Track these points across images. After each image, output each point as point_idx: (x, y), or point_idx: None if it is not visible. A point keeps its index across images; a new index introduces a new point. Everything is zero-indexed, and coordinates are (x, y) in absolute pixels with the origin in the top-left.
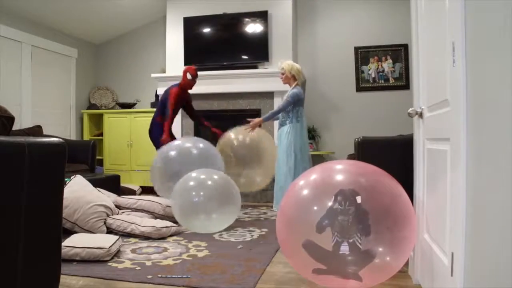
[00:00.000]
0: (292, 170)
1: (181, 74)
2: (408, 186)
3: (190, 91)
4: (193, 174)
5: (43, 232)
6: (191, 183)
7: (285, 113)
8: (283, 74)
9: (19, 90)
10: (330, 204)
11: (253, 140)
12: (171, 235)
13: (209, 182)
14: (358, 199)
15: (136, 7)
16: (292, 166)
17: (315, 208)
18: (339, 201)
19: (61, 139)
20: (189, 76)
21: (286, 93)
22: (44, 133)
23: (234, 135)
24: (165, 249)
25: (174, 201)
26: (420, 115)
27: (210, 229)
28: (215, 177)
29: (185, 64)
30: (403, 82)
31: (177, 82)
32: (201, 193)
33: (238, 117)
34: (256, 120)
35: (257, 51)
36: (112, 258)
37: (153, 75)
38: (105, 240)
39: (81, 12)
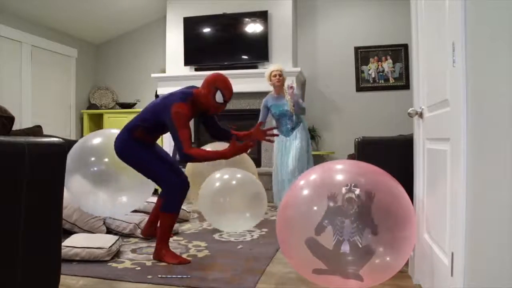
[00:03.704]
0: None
1: (181, 74)
2: (408, 186)
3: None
4: (217, 175)
5: (43, 232)
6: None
7: (288, 120)
8: (280, 76)
9: (19, 90)
10: (331, 204)
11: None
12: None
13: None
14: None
15: (136, 7)
16: (305, 165)
17: (315, 208)
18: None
19: (61, 139)
20: (219, 99)
21: (286, 95)
22: (44, 133)
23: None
24: None
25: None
26: (420, 115)
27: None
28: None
29: (185, 64)
30: (403, 82)
31: (187, 89)
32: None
33: (238, 117)
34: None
35: (257, 51)
36: (112, 258)
37: (153, 75)
38: (105, 240)
39: (81, 12)
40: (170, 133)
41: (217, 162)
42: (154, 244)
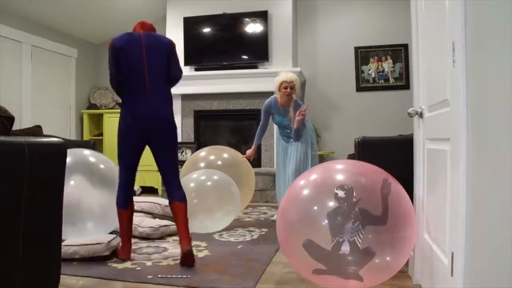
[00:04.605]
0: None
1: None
2: (408, 186)
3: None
4: (194, 175)
5: (43, 232)
6: (192, 184)
7: (289, 131)
8: (292, 88)
9: (19, 90)
10: (331, 204)
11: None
12: (170, 235)
13: (209, 183)
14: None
15: (136, 7)
16: (306, 168)
17: (315, 208)
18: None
19: (61, 139)
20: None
21: (291, 112)
22: (44, 133)
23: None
24: (165, 249)
25: None
26: (420, 115)
27: (209, 229)
28: (215, 177)
29: (185, 64)
30: (403, 82)
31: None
32: (200, 193)
33: (238, 117)
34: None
35: (257, 51)
36: (112, 258)
37: None
38: (103, 237)
39: (81, 12)
40: (174, 64)
41: (210, 164)
42: (154, 244)
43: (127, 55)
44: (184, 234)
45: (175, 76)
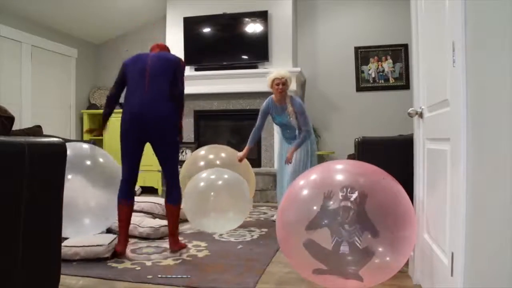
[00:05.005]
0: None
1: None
2: (408, 186)
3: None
4: (203, 174)
5: (43, 232)
6: (202, 183)
7: (289, 129)
8: (284, 84)
9: (19, 90)
10: (331, 202)
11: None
12: None
13: (220, 182)
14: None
15: (136, 7)
16: (306, 168)
17: (315, 208)
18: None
19: (61, 139)
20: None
21: (289, 107)
22: (44, 133)
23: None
24: (165, 249)
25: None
26: (420, 115)
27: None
28: (226, 176)
29: (185, 64)
30: (403, 82)
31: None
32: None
33: (238, 117)
34: (292, 152)
35: (257, 51)
36: (112, 258)
37: None
38: (104, 238)
39: (81, 12)
40: (179, 77)
41: (210, 164)
42: (154, 244)
43: (133, 67)
44: (171, 236)
45: (179, 91)
